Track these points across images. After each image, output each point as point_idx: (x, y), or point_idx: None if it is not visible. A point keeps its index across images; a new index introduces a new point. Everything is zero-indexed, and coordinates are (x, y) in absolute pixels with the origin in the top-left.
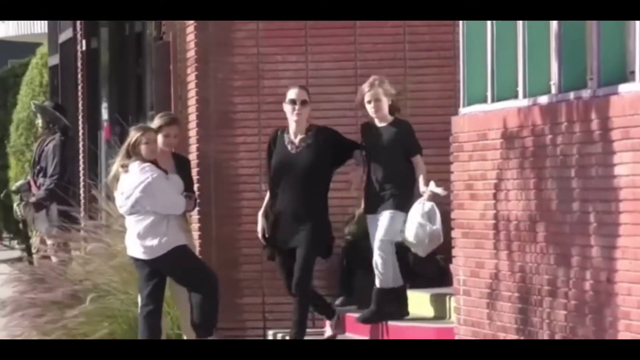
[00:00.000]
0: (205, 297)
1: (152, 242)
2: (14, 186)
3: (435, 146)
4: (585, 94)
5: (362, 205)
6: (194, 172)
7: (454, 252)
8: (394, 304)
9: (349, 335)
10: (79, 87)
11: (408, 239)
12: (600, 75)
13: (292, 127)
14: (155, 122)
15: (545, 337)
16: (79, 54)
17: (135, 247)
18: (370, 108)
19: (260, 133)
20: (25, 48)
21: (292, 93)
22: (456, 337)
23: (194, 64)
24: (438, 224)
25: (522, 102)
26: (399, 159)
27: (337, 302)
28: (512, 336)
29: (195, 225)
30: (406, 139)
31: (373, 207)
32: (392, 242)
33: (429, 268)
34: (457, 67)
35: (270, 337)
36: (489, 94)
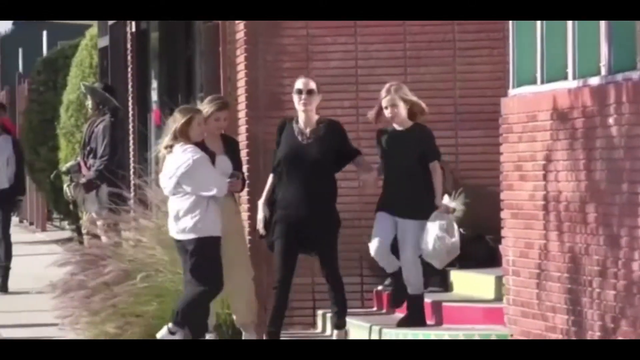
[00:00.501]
0: (198, 296)
1: (187, 223)
2: (64, 167)
3: (484, 127)
4: (635, 75)
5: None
6: (243, 153)
7: (503, 232)
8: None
9: (399, 315)
10: (129, 69)
11: (426, 250)
12: None
13: (301, 117)
14: (206, 107)
15: (595, 318)
16: (129, 36)
17: (173, 228)
18: (387, 113)
19: None
20: (74, 29)
21: (299, 83)
22: (505, 317)
23: (243, 46)
24: (456, 237)
25: (571, 83)
26: (416, 164)
27: (386, 282)
28: (562, 316)
29: (244, 206)
30: (424, 145)
31: (388, 205)
32: (418, 253)
33: (479, 249)
34: (506, 49)
35: (319, 317)
36: (538, 75)
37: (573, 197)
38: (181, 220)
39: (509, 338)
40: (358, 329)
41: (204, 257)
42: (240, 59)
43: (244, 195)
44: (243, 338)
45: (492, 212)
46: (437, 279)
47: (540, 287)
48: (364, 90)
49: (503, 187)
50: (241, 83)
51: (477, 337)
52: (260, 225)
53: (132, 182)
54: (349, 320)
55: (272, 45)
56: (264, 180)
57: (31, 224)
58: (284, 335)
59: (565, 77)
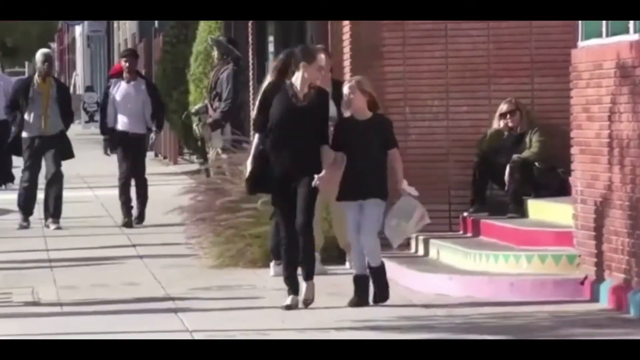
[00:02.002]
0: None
1: None
2: (193, 109)
3: (557, 75)
4: None
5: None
6: None
7: (573, 166)
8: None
9: (477, 238)
10: (249, 24)
11: (385, 232)
12: None
13: (299, 83)
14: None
15: None
16: None
17: None
18: (344, 102)
19: (404, 64)
20: None
21: (321, 60)
22: (574, 240)
23: None
24: (413, 220)
25: (632, 37)
26: (377, 152)
27: (471, 209)
28: (623, 239)
29: None
30: (385, 133)
31: (350, 194)
32: (377, 229)
33: (552, 180)
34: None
35: (413, 239)
36: (604, 29)
37: (634, 135)
38: None
39: (577, 258)
40: (449, 251)
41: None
42: None
43: None
44: (346, 258)
45: (563, 148)
46: (515, 206)
47: (605, 214)
48: (453, 42)
49: (573, 127)
50: (346, 36)
51: (549, 257)
52: (247, 177)
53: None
54: (440, 242)
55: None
56: None
57: (165, 157)
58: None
59: (627, 32)
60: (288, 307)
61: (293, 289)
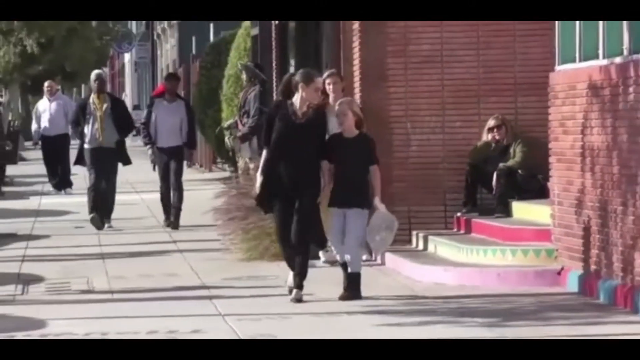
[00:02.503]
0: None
1: None
2: (225, 124)
3: (537, 94)
4: None
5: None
6: None
7: (551, 173)
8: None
9: (468, 235)
10: (273, 51)
11: (371, 243)
12: None
13: (298, 102)
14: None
15: (618, 237)
16: (273, 26)
17: None
18: (338, 122)
19: (406, 85)
20: (234, 22)
21: (318, 82)
22: (552, 237)
23: (358, 34)
24: (394, 232)
25: (602, 61)
26: (360, 166)
27: (464, 210)
28: (594, 235)
29: None
30: (368, 151)
31: (336, 203)
32: (361, 238)
33: (533, 185)
34: (553, 35)
35: (414, 236)
36: (577, 55)
37: (602, 146)
38: None
39: (555, 252)
40: (445, 246)
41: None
42: (355, 44)
43: None
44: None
45: (543, 158)
46: (502, 208)
47: (578, 214)
48: (448, 67)
49: (550, 139)
50: (356, 62)
51: (531, 252)
52: (256, 192)
53: None
54: (437, 239)
55: (379, 33)
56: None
57: (200, 166)
58: (388, 250)
59: (597, 57)
60: (297, 300)
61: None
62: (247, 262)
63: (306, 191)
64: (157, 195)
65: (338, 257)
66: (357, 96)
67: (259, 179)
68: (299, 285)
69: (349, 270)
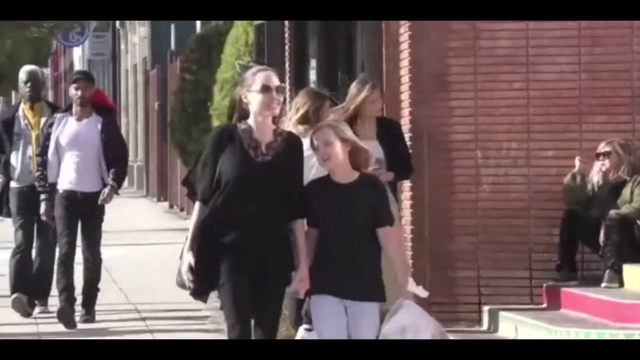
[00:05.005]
0: None
1: None
2: None
3: None
4: None
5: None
6: (406, 137)
7: None
8: None
9: (564, 312)
10: (286, 47)
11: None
12: None
13: (257, 125)
14: (356, 89)
15: None
16: None
17: None
18: (317, 157)
19: (476, 97)
20: None
21: (264, 77)
22: None
23: (407, 23)
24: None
25: None
26: (364, 229)
27: (558, 276)
28: None
29: (407, 194)
30: (374, 204)
31: (327, 286)
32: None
33: None
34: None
35: (485, 313)
36: None
37: None
38: None
39: None
40: (526, 326)
41: None
42: (404, 37)
43: (406, 182)
44: None
45: None
46: (613, 274)
47: None
48: (535, 71)
49: None
50: (404, 63)
51: None
52: (185, 269)
53: None
54: (519, 318)
55: (437, 22)
56: (428, 165)
57: (181, 210)
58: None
59: None
60: None
61: None
62: None
63: (272, 274)
64: (122, 253)
65: None
66: (406, 112)
67: (187, 257)
68: None
69: None
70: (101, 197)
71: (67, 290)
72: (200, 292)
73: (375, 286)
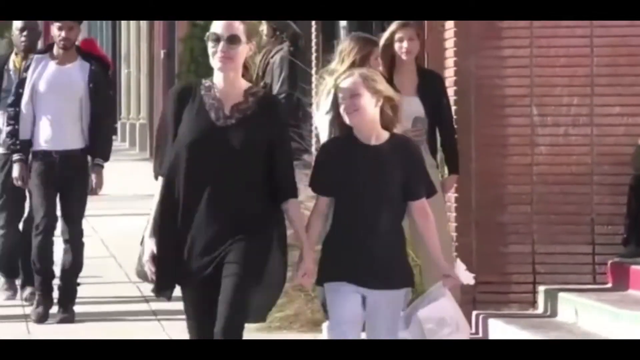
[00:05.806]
0: None
1: None
2: None
3: None
4: None
5: None
6: (450, 92)
7: None
8: None
9: (632, 293)
10: None
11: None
12: None
13: (218, 82)
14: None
15: None
16: None
17: None
18: (342, 108)
19: (532, 45)
20: None
21: (215, 25)
22: None
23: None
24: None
25: None
26: (396, 201)
27: (625, 251)
28: None
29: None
30: (409, 170)
31: (345, 273)
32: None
33: None
34: None
35: (541, 294)
36: None
37: None
38: None
39: None
40: (588, 309)
41: None
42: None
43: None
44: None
45: None
46: None
47: None
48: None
49: None
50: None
51: None
52: (148, 266)
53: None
54: (580, 299)
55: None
56: (475, 124)
57: None
58: (498, 316)
59: None
60: None
61: None
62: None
63: (242, 242)
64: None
65: None
66: (451, 61)
67: (148, 243)
68: None
69: None
70: (89, 188)
71: (43, 274)
72: (162, 287)
73: (405, 269)
